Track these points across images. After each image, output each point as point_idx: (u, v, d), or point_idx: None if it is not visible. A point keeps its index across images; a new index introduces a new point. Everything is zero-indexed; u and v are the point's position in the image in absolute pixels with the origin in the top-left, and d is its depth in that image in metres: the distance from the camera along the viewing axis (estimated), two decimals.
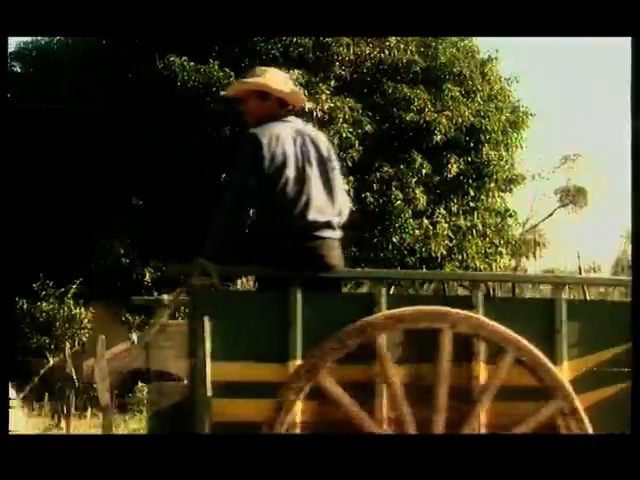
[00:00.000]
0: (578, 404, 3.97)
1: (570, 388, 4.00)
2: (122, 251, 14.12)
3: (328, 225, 4.25)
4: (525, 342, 4.01)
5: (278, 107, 4.34)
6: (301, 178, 4.20)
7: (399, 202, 14.23)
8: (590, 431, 3.91)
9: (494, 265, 15.97)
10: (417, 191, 14.36)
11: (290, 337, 3.97)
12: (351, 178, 14.13)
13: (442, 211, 14.96)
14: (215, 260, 4.00)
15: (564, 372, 4.10)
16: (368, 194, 14.26)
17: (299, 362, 3.89)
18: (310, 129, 4.47)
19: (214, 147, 14.16)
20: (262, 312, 3.98)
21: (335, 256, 4.26)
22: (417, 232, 14.35)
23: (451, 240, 14.79)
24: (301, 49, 14.46)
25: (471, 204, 15.63)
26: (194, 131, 14.29)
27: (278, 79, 4.40)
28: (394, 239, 14.34)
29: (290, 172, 4.15)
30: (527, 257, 28.64)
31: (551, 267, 37.65)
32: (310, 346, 3.92)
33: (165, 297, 4.01)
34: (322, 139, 4.47)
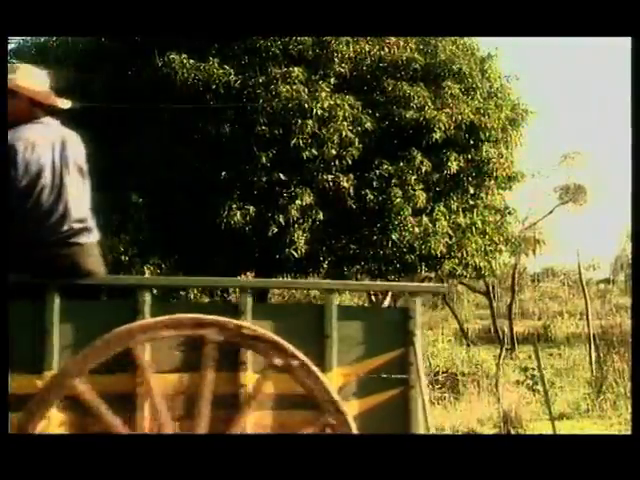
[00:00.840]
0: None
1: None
2: (122, 249, 14.12)
3: (85, 230, 4.15)
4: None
5: (31, 107, 4.16)
6: (57, 184, 4.06)
7: (399, 200, 14.21)
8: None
9: (494, 263, 15.97)
10: (417, 189, 14.35)
11: (46, 347, 3.87)
12: (351, 176, 14.14)
13: (442, 209, 14.95)
14: None
15: (334, 378, 4.06)
16: (368, 191, 14.25)
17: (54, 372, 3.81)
18: (67, 131, 4.29)
19: (214, 145, 14.17)
20: (16, 321, 3.82)
21: (94, 262, 4.15)
22: (417, 230, 14.34)
23: (451, 238, 14.79)
24: (301, 47, 14.45)
25: (471, 202, 15.62)
26: (194, 129, 14.28)
27: (29, 77, 4.22)
28: (393, 237, 14.33)
29: (46, 179, 4.00)
30: (527, 254, 28.65)
31: (550, 265, 37.67)
32: (67, 356, 3.84)
33: None
34: (77, 141, 4.32)
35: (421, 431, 4.09)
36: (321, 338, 4.10)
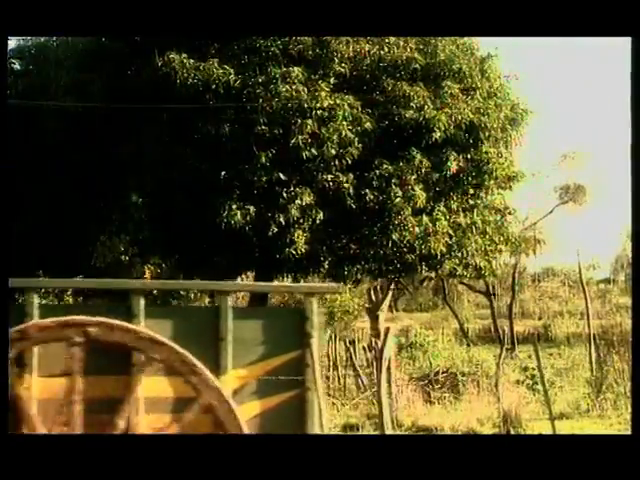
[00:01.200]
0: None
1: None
2: (122, 248, 14.14)
3: None
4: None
5: None
6: None
7: (399, 199, 14.22)
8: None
9: (494, 262, 15.97)
10: (417, 188, 14.34)
11: None
12: (351, 175, 14.14)
13: (442, 208, 14.94)
14: None
15: (229, 381, 4.00)
16: (367, 191, 14.25)
17: None
18: None
19: (214, 145, 14.16)
20: None
21: None
22: (417, 229, 14.34)
23: (451, 237, 14.78)
24: (301, 46, 14.45)
25: (471, 201, 15.62)
26: (194, 129, 14.28)
27: None
28: (394, 236, 14.33)
29: None
30: (527, 254, 28.66)
31: (550, 265, 37.68)
32: None
33: None
34: None
35: (317, 432, 4.06)
36: (216, 341, 4.04)
